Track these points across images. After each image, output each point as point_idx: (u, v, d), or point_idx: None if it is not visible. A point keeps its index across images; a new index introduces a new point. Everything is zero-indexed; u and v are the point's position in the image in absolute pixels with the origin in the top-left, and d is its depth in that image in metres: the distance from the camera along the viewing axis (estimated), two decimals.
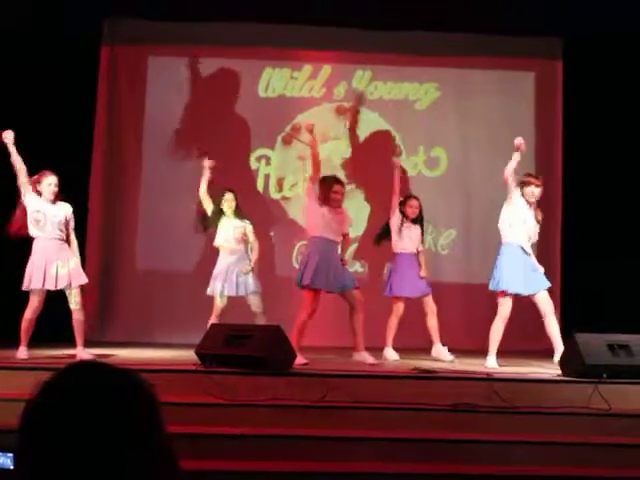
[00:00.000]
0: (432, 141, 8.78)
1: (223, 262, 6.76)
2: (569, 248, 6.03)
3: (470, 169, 8.76)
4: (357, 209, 8.45)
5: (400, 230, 6.90)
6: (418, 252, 6.97)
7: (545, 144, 8.74)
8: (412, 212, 6.98)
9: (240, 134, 8.62)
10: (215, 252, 7.06)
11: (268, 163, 8.76)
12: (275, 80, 8.80)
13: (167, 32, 8.49)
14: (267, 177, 8.75)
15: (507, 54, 8.68)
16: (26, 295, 5.87)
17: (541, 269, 6.21)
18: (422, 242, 7.08)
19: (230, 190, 6.94)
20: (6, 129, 5.87)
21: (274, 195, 8.72)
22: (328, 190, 6.35)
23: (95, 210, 8.37)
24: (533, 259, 6.22)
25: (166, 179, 8.49)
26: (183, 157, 8.58)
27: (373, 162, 8.54)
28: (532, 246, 6.26)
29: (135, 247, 8.50)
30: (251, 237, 6.84)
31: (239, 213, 6.88)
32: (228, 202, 6.85)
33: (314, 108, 8.79)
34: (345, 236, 6.56)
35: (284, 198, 8.69)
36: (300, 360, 5.70)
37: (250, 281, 6.69)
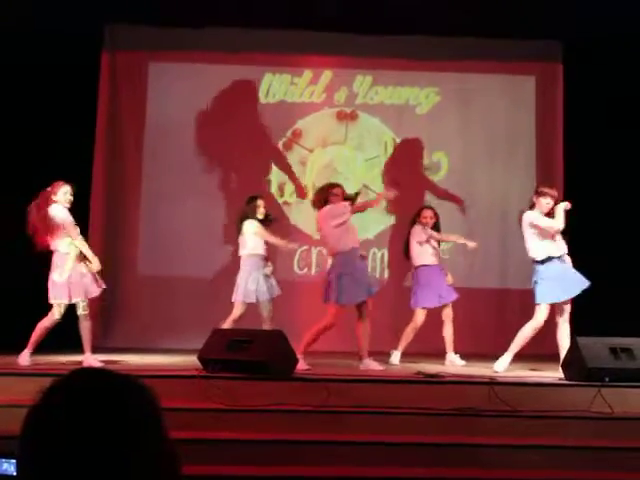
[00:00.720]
0: (433, 145, 8.79)
1: (254, 268, 6.76)
2: (570, 251, 6.04)
3: (471, 173, 8.77)
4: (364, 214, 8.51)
5: (422, 243, 6.88)
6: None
7: (546, 148, 8.75)
8: (426, 223, 6.96)
9: (241, 139, 8.63)
10: (217, 258, 7.08)
11: (270, 169, 8.77)
12: (276, 85, 8.81)
13: (167, 38, 8.51)
14: (268, 182, 8.75)
15: (507, 58, 8.69)
16: (26, 303, 5.87)
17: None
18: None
19: (260, 196, 7.01)
20: (8, 135, 5.88)
21: (276, 200, 8.72)
22: (327, 193, 6.33)
23: (96, 216, 8.37)
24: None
25: (167, 185, 8.50)
26: (184, 163, 8.59)
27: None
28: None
29: (137, 253, 8.50)
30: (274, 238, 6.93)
31: (269, 217, 6.99)
32: (260, 208, 6.88)
33: (315, 113, 8.80)
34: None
35: (286, 203, 8.70)
36: (302, 365, 5.70)
37: (274, 284, 6.76)
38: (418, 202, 8.08)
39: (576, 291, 5.92)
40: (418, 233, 6.91)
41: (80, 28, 8.00)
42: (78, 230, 5.96)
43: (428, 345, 7.11)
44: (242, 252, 6.83)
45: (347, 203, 6.28)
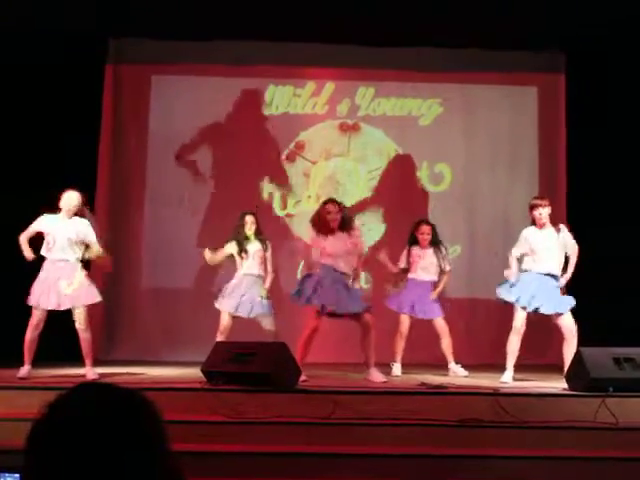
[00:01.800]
0: (436, 157, 8.80)
1: (240, 282, 6.73)
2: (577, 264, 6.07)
3: (474, 184, 8.78)
4: (367, 225, 8.54)
5: (409, 262, 6.91)
6: (438, 278, 6.95)
7: (549, 158, 8.76)
8: (423, 238, 6.94)
9: (244, 151, 8.66)
10: (220, 270, 7.08)
11: (272, 180, 8.79)
12: (278, 97, 8.84)
13: (170, 51, 8.54)
14: (271, 194, 8.77)
15: (509, 69, 8.71)
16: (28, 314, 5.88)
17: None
18: (446, 264, 6.97)
19: (251, 212, 6.93)
20: (14, 152, 5.91)
21: (278, 212, 8.74)
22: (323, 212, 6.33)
23: (100, 229, 8.38)
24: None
25: (171, 197, 8.52)
26: (187, 175, 8.62)
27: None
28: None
29: (140, 264, 8.51)
30: (269, 261, 6.83)
31: (259, 235, 6.85)
32: (249, 225, 6.82)
33: (318, 125, 8.83)
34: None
35: (288, 215, 8.71)
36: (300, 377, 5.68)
37: (265, 303, 6.67)
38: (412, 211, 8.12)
39: (545, 308, 6.02)
40: (403, 258, 6.96)
41: (83, 44, 8.05)
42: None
43: (431, 356, 7.11)
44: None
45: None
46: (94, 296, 5.99)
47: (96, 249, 5.97)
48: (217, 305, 6.70)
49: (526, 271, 6.19)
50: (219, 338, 6.50)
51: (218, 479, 4.02)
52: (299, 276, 8.36)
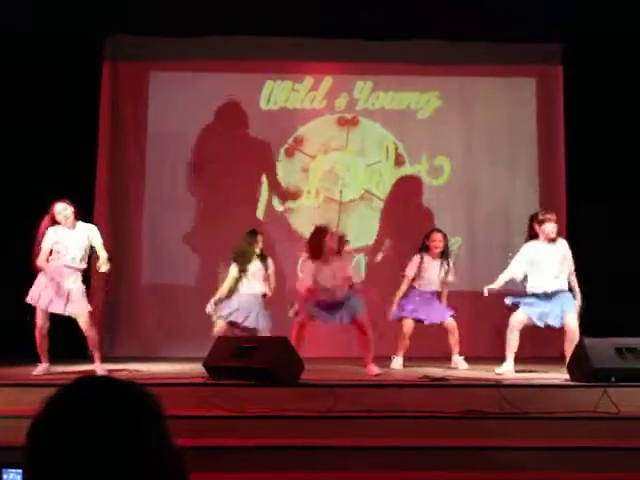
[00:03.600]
0: (435, 150, 8.79)
1: (238, 298, 6.64)
2: (574, 253, 6.04)
3: (473, 177, 8.76)
4: (367, 219, 8.52)
5: (419, 270, 6.83)
6: (442, 289, 6.93)
7: (547, 150, 8.74)
8: (435, 246, 6.85)
9: (243, 147, 8.64)
10: (220, 266, 7.07)
11: (273, 175, 8.77)
12: (277, 92, 8.83)
13: (168, 47, 8.52)
14: (270, 189, 8.75)
15: (507, 61, 8.68)
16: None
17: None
18: (451, 276, 6.92)
19: (258, 232, 6.87)
20: (11, 150, 5.90)
21: (277, 207, 8.73)
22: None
23: (100, 225, 8.35)
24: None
25: (170, 193, 8.52)
26: (186, 171, 8.61)
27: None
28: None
29: (140, 262, 8.51)
30: (272, 278, 6.76)
31: (263, 253, 6.79)
32: (259, 243, 6.74)
33: (316, 119, 8.81)
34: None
35: (287, 210, 8.70)
36: None
37: (261, 319, 6.60)
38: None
39: (537, 321, 6.13)
40: (413, 264, 6.85)
41: (80, 42, 8.04)
42: None
43: (434, 349, 7.11)
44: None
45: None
46: (86, 306, 5.96)
47: (102, 254, 5.96)
48: (211, 311, 6.63)
49: (532, 289, 6.18)
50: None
51: (220, 474, 4.01)
52: (300, 272, 8.38)
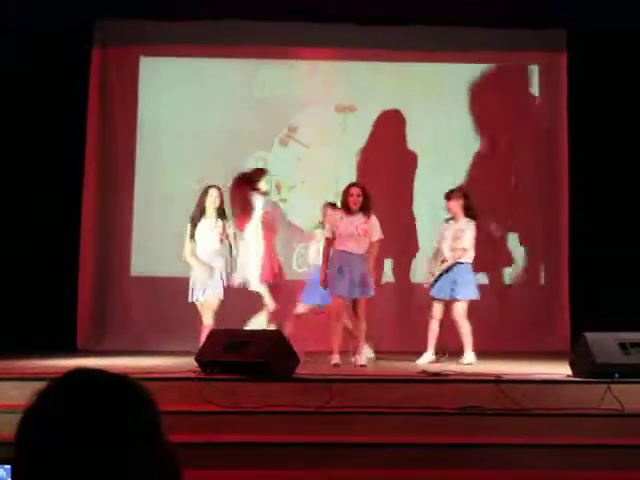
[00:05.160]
0: (435, 136, 8.64)
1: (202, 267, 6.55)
2: (576, 243, 5.94)
3: (474, 163, 8.62)
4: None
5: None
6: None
7: (550, 138, 8.62)
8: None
9: (236, 135, 8.48)
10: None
11: (265, 165, 8.62)
12: (271, 79, 8.66)
13: (159, 32, 8.36)
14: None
15: (510, 48, 8.56)
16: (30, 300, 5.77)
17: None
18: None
19: (215, 186, 6.70)
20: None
21: (272, 198, 8.57)
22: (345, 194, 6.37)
23: (88, 215, 8.24)
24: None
25: (160, 182, 8.38)
26: (177, 160, 8.45)
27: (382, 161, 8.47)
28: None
29: (129, 252, 8.37)
30: (231, 237, 6.63)
31: (221, 212, 6.62)
32: (212, 198, 6.58)
33: (312, 107, 8.65)
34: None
35: (282, 200, 8.55)
36: None
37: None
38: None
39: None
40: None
41: (69, 26, 7.90)
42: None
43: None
44: None
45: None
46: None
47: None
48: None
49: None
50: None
51: (213, 470, 3.95)
52: (295, 263, 8.28)
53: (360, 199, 6.32)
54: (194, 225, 6.54)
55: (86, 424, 1.04)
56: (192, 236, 6.53)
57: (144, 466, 1.05)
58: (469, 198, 6.60)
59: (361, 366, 6.06)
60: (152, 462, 1.06)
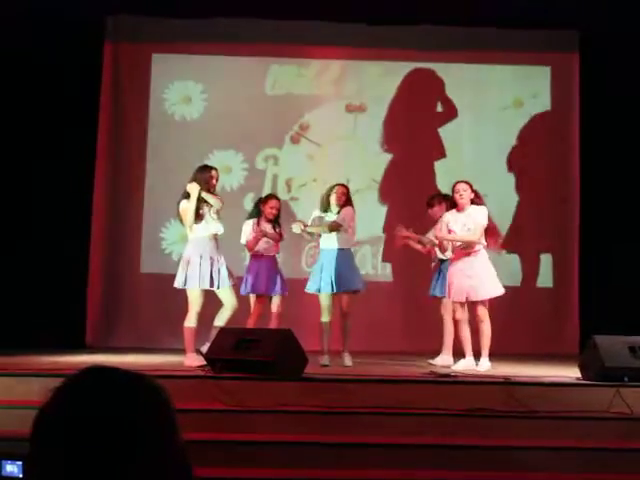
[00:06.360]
0: (446, 136, 8.61)
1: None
2: (588, 240, 5.90)
3: (485, 164, 8.59)
4: (374, 209, 8.37)
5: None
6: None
7: (562, 138, 8.58)
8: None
9: (247, 133, 8.48)
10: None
11: (276, 163, 8.63)
12: (282, 77, 8.65)
13: (171, 29, 8.37)
14: (275, 177, 8.61)
15: (523, 48, 8.52)
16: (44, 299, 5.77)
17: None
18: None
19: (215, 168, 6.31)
20: (7, 127, 5.75)
21: (283, 196, 8.56)
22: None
23: (99, 213, 8.25)
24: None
25: (170, 179, 8.35)
26: (188, 157, 8.44)
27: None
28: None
29: (139, 250, 8.38)
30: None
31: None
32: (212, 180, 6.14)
33: (323, 106, 8.65)
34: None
35: (293, 199, 8.55)
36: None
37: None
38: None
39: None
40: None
41: (82, 22, 7.90)
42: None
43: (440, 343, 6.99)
44: None
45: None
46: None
47: None
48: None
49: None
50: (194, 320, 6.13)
51: (220, 468, 3.95)
52: (304, 263, 8.27)
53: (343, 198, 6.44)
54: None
55: (102, 422, 1.03)
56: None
57: (158, 464, 1.05)
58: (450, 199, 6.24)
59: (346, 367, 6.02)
60: (166, 460, 1.06)
